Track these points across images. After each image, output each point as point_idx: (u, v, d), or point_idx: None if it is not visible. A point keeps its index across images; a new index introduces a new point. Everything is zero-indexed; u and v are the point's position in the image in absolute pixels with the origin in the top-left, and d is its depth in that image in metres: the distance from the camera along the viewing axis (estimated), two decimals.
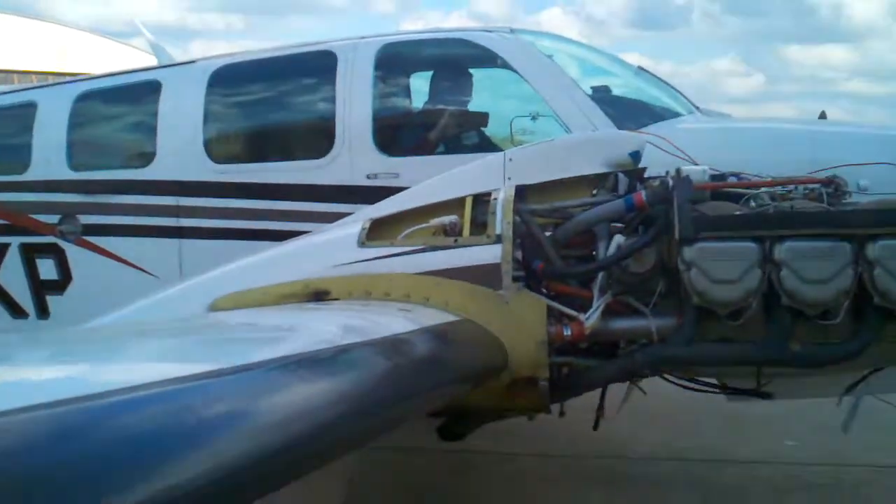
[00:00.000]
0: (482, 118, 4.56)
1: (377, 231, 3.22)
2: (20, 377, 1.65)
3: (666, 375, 3.20)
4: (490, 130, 4.53)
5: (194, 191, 4.45)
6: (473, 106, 4.62)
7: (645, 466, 4.67)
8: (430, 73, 4.70)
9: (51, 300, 4.71)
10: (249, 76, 4.79)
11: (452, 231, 3.13)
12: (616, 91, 4.64)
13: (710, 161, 3.12)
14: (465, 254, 2.98)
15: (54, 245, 4.67)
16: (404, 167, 4.12)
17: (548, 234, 3.05)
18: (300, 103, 4.83)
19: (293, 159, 4.48)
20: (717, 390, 3.29)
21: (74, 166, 4.72)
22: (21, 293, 4.74)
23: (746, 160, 3.26)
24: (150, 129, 4.61)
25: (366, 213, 3.37)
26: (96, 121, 4.99)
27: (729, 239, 2.75)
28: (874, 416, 3.53)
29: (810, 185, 2.98)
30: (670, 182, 2.89)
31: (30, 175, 4.75)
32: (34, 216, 4.72)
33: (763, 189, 3.00)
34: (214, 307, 3.05)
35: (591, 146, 3.33)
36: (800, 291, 2.71)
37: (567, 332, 2.88)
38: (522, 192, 3.13)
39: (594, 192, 3.19)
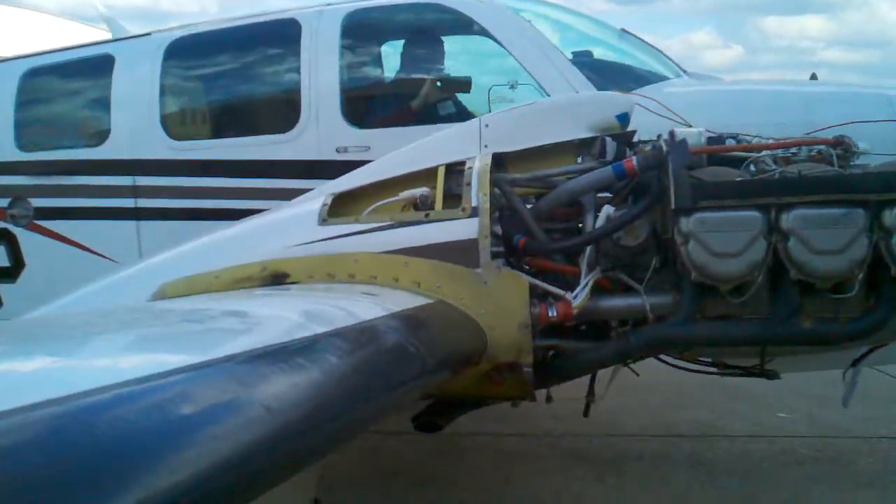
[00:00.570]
0: (458, 86, 4.38)
1: (340, 206, 3.01)
2: None
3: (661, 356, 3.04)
4: (467, 99, 4.34)
5: (152, 170, 4.32)
6: (449, 74, 4.44)
7: (635, 443, 4.58)
8: (402, 40, 4.51)
9: (2, 288, 4.58)
10: (208, 48, 4.64)
11: (424, 205, 2.92)
12: (599, 55, 4.48)
13: (703, 125, 2.91)
14: (438, 229, 2.76)
15: (5, 230, 4.55)
16: (375, 139, 3.96)
17: (529, 205, 2.88)
18: (262, 75, 4.64)
19: (257, 134, 4.29)
20: (718, 371, 3.13)
21: (23, 147, 4.59)
22: None
23: (742, 123, 3.08)
24: (104, 106, 4.47)
25: (327, 188, 3.14)
26: (45, 98, 4.84)
27: (730, 208, 2.56)
28: (868, 388, 3.44)
29: (816, 147, 2.78)
30: (664, 146, 2.67)
31: None
32: None
33: (765, 152, 2.80)
34: (162, 294, 2.82)
35: (574, 109, 3.14)
36: (810, 263, 2.53)
37: (552, 313, 2.69)
38: (500, 161, 2.96)
39: (579, 159, 3.02)
